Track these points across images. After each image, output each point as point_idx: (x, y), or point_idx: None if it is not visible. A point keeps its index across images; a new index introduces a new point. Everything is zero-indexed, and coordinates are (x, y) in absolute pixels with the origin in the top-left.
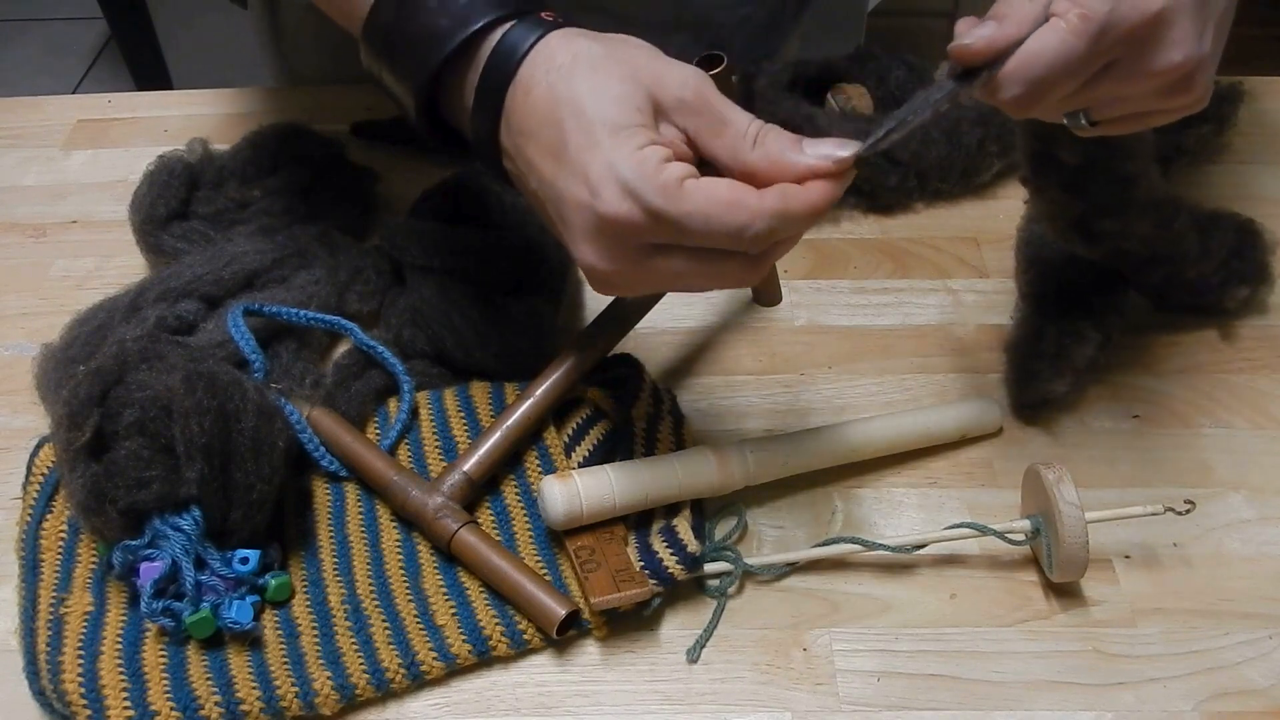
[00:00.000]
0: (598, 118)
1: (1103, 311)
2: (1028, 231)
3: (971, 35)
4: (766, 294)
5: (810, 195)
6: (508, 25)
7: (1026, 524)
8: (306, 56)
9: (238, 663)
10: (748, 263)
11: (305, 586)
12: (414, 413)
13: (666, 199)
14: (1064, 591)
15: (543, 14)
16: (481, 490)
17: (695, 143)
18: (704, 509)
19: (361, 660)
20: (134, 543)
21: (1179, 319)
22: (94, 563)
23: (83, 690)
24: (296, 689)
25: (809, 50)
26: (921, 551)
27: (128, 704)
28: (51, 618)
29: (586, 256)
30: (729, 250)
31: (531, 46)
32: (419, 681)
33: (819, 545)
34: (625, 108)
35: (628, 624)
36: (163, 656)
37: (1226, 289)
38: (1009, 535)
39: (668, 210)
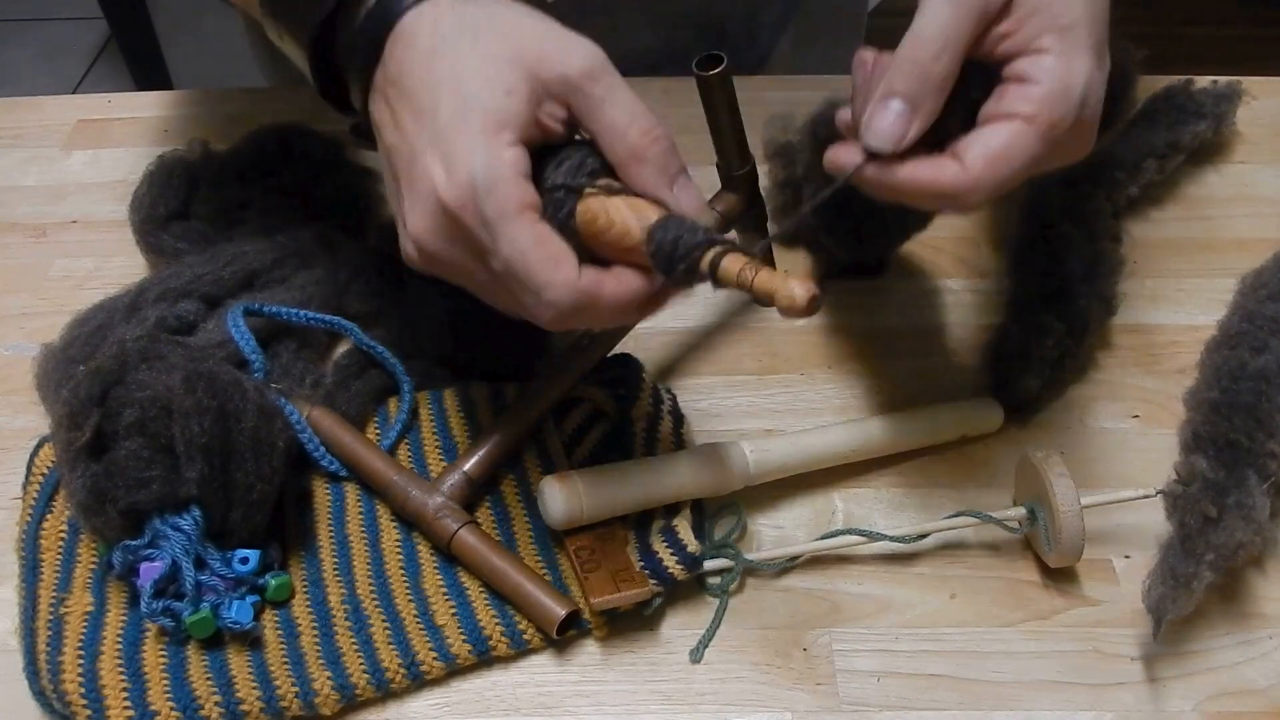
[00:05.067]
0: (475, 99)
1: (1065, 302)
2: (1016, 238)
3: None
4: None
5: (622, 287)
6: None
7: (1022, 510)
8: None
9: (238, 663)
10: (550, 314)
11: (305, 586)
12: (414, 413)
13: (498, 219)
14: (1064, 591)
15: None
16: (481, 490)
17: (580, 122)
18: (704, 509)
19: (361, 660)
20: (134, 543)
21: (1179, 318)
22: (94, 563)
23: (83, 690)
24: (296, 689)
25: (811, 49)
26: (922, 552)
27: (128, 704)
28: (51, 618)
29: (414, 224)
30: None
31: (417, 2)
32: (419, 681)
33: (820, 539)
34: (503, 92)
35: (628, 624)
36: (163, 656)
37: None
38: (1007, 522)
39: (492, 230)
